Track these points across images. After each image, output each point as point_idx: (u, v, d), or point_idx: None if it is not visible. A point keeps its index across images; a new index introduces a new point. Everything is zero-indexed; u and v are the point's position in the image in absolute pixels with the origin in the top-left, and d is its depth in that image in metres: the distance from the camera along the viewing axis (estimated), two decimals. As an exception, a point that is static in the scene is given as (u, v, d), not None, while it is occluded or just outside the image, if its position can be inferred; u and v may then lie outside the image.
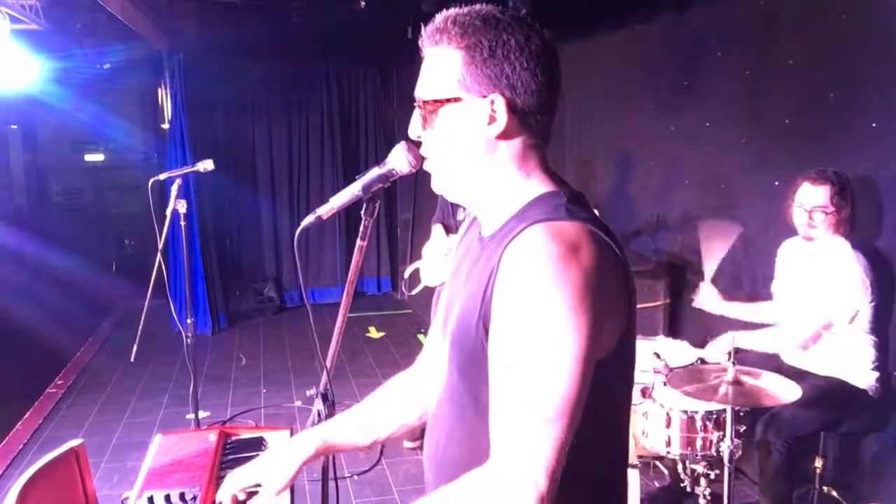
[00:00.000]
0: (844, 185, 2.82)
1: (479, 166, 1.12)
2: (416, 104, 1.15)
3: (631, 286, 1.07)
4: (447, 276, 1.33)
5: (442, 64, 1.10)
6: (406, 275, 4.61)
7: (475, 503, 0.97)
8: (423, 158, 1.21)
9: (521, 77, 1.07)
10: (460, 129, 1.10)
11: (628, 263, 1.07)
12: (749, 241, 3.63)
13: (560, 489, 0.95)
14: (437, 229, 4.20)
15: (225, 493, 1.41)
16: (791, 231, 3.08)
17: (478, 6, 1.11)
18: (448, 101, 1.10)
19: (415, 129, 1.16)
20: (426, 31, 1.12)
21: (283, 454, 1.38)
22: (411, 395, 1.44)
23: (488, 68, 1.07)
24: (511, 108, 1.08)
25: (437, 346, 1.36)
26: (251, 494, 1.43)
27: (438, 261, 4.15)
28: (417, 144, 1.22)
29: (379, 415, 1.44)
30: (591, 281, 0.96)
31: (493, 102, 1.07)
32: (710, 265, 3.35)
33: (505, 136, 1.10)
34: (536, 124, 1.11)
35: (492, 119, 1.08)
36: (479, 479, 0.98)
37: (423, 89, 1.13)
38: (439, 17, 1.11)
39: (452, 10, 1.11)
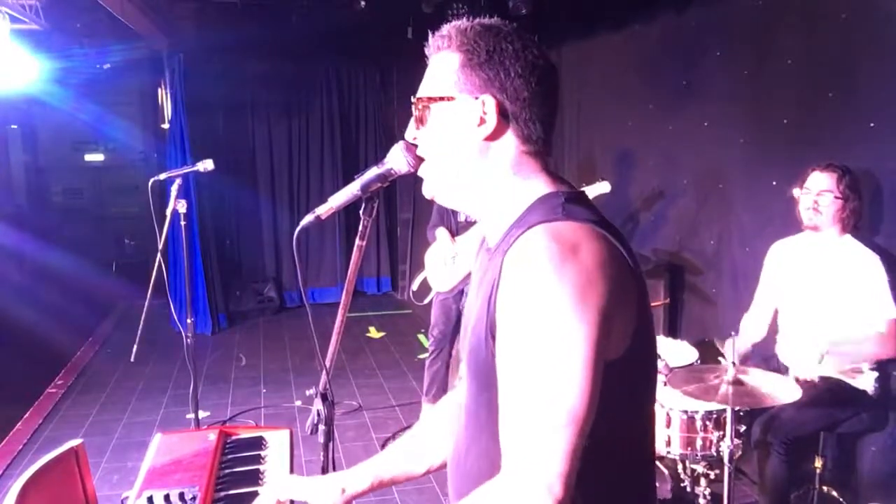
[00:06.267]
0: (853, 178, 2.81)
1: (471, 168, 1.13)
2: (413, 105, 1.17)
3: (640, 282, 1.05)
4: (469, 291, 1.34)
5: (441, 66, 1.13)
6: (414, 287, 4.58)
7: None
8: (422, 158, 1.22)
9: (514, 83, 1.08)
10: (451, 127, 1.12)
11: (635, 259, 1.05)
12: (747, 241, 3.64)
13: (584, 491, 0.94)
14: (441, 233, 4.15)
15: (268, 497, 1.42)
16: (784, 231, 3.07)
17: (485, 19, 1.13)
18: (441, 98, 1.12)
19: (411, 129, 1.18)
20: (432, 39, 1.15)
21: (334, 482, 1.38)
22: (456, 417, 1.42)
23: (483, 71, 1.09)
24: (501, 111, 1.09)
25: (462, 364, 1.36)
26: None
27: (447, 264, 4.11)
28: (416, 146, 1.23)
29: (428, 441, 1.43)
30: (592, 279, 0.94)
31: (483, 103, 1.09)
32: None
33: (495, 138, 1.11)
34: (529, 132, 1.11)
35: (482, 120, 1.10)
36: (493, 489, 0.97)
37: (421, 89, 1.16)
38: (445, 26, 1.14)
39: (459, 21, 1.14)
